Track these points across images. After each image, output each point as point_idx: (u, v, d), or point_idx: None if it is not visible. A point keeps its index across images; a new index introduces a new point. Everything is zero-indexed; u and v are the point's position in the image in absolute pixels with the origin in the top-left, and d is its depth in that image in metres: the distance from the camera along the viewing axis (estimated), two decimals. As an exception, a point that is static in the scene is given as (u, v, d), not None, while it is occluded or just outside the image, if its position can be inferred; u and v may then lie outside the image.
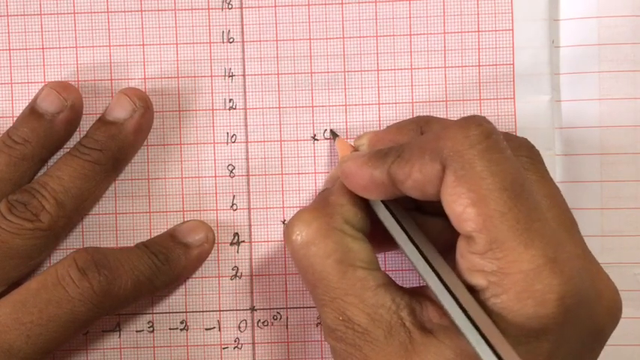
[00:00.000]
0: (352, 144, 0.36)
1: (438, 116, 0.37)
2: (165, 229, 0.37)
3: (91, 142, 0.35)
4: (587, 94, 0.37)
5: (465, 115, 0.37)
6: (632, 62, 0.37)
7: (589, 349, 0.30)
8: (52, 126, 0.35)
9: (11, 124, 0.36)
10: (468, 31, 0.37)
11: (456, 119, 0.30)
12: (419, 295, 0.30)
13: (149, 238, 0.37)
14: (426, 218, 0.33)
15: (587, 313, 0.29)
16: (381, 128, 0.37)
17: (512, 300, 0.27)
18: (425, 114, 0.37)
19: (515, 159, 0.29)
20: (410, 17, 0.37)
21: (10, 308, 0.32)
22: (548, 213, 0.30)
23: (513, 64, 0.37)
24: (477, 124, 0.29)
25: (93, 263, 0.33)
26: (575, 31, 0.37)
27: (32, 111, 0.35)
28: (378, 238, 0.32)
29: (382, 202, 0.32)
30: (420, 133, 0.33)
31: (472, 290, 0.28)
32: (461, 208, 0.28)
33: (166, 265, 0.35)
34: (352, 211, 0.32)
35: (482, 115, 0.37)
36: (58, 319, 0.32)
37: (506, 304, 0.28)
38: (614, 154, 0.37)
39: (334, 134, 0.37)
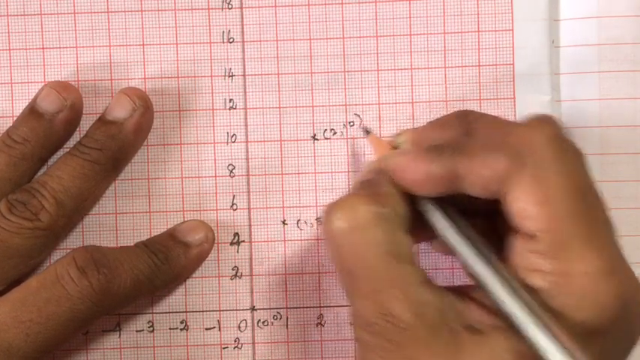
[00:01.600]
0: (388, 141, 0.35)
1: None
2: (166, 229, 0.37)
3: (90, 141, 0.35)
4: (587, 94, 0.37)
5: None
6: (631, 62, 0.37)
7: (628, 354, 0.30)
8: (52, 125, 0.35)
9: (11, 124, 0.36)
10: (468, 31, 0.37)
11: (523, 117, 0.30)
12: (461, 294, 0.30)
13: (149, 237, 0.37)
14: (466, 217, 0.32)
15: (636, 319, 0.29)
16: (381, 128, 0.37)
17: (571, 302, 0.27)
18: (432, 113, 0.37)
19: (583, 161, 0.29)
20: (410, 17, 0.37)
21: (9, 307, 0.32)
22: (602, 215, 0.29)
23: (513, 64, 0.37)
24: (550, 123, 0.29)
25: (92, 262, 0.33)
26: (575, 31, 0.37)
27: (32, 110, 0.35)
28: (416, 233, 0.32)
29: (430, 198, 0.31)
30: (464, 129, 0.32)
31: (528, 290, 0.28)
32: (528, 206, 0.28)
33: (166, 264, 0.35)
34: (401, 205, 0.31)
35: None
36: (57, 318, 0.32)
37: (564, 305, 0.27)
38: (614, 154, 0.37)
39: (367, 131, 0.36)
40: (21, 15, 0.37)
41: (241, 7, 0.37)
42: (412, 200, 0.31)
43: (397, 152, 0.32)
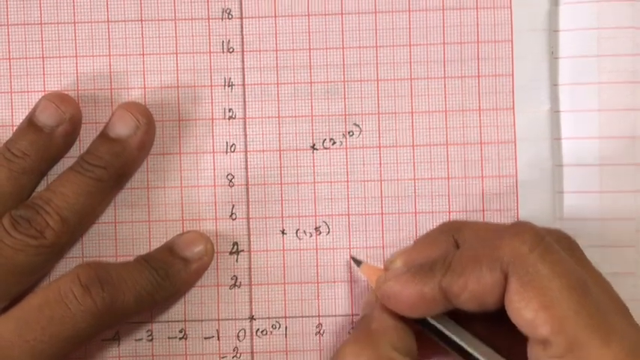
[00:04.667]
0: (381, 267, 0.36)
1: (465, 222, 0.36)
2: (165, 239, 0.37)
3: (94, 158, 0.35)
4: (587, 105, 0.37)
5: (465, 124, 0.37)
6: (631, 73, 0.37)
7: None
8: (51, 139, 0.35)
9: (10, 134, 0.36)
10: (468, 42, 0.37)
11: (499, 226, 0.31)
12: None
13: (148, 246, 0.37)
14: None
15: None
16: (380, 137, 0.37)
17: None
18: (432, 124, 0.37)
19: (568, 257, 0.29)
20: (410, 28, 0.37)
21: (14, 324, 0.32)
22: (607, 303, 0.30)
23: (513, 74, 0.37)
24: (528, 229, 0.29)
25: (97, 279, 0.33)
26: (574, 42, 0.37)
27: (31, 124, 0.35)
28: (424, 353, 0.32)
29: (430, 318, 0.31)
30: (453, 242, 0.33)
31: None
32: (532, 313, 0.28)
33: (166, 280, 0.35)
34: (398, 336, 0.31)
35: (482, 124, 0.37)
36: (60, 336, 0.32)
37: None
38: (614, 164, 0.37)
39: (357, 261, 0.36)
40: (21, 24, 0.37)
41: (241, 17, 0.37)
42: (416, 321, 0.32)
43: (389, 276, 0.32)
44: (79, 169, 0.35)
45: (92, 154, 0.35)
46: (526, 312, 0.28)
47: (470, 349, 0.31)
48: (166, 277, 0.35)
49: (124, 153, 0.35)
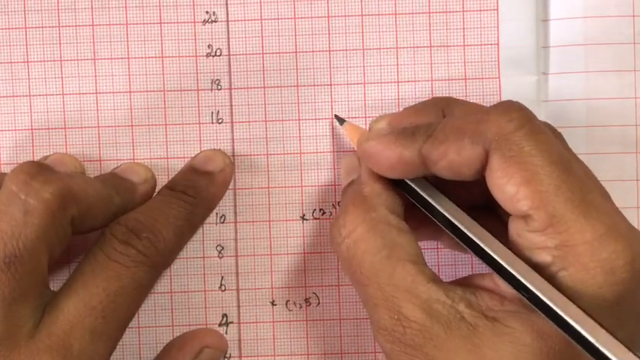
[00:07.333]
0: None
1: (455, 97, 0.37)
2: (152, 311, 0.37)
3: (186, 188, 0.36)
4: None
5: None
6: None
7: None
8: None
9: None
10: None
11: (488, 105, 0.30)
12: (469, 286, 0.30)
13: (137, 333, 0.37)
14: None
15: None
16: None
17: (580, 272, 0.27)
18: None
19: (554, 137, 0.30)
20: (398, 98, 0.37)
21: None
22: (589, 183, 0.30)
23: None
24: (517, 108, 0.29)
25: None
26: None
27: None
28: (419, 229, 0.32)
29: (408, 180, 0.31)
30: (441, 115, 0.33)
31: (536, 268, 0.28)
32: (514, 188, 0.28)
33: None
34: (390, 199, 0.31)
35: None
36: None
37: (574, 277, 0.28)
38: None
39: (340, 119, 0.36)
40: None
41: (230, 88, 0.37)
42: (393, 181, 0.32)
43: (370, 136, 0.32)
44: (171, 195, 0.35)
45: (182, 184, 0.36)
46: (508, 187, 0.28)
47: (441, 209, 0.31)
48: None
49: (212, 185, 0.36)
